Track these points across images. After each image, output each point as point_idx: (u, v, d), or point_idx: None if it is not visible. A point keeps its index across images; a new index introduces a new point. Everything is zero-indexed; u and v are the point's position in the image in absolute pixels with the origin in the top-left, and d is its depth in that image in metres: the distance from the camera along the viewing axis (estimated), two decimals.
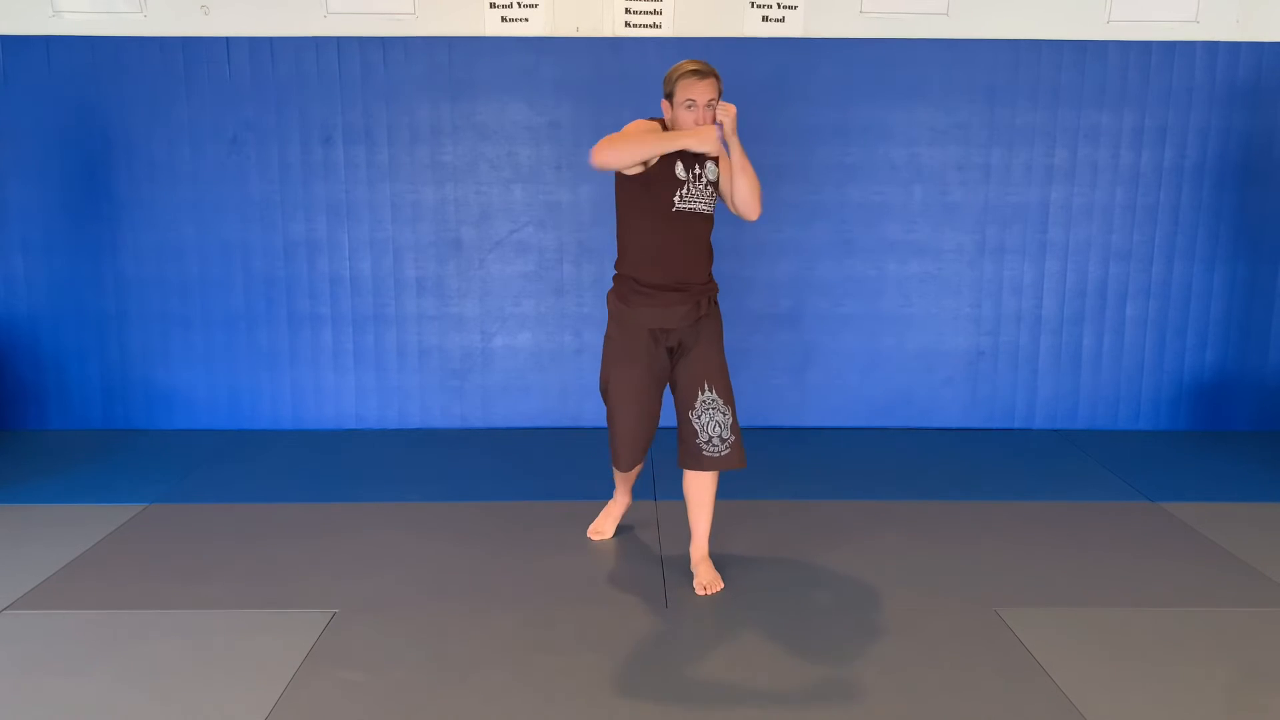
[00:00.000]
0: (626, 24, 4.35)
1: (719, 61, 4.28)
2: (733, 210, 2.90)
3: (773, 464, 4.10)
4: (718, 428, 2.89)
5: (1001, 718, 2.31)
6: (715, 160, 2.86)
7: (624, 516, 3.41)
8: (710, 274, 2.95)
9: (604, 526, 3.37)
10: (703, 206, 2.86)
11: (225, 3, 4.30)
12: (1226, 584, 3.03)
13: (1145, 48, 4.37)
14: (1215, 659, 2.58)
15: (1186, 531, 3.43)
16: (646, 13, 4.34)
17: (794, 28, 4.36)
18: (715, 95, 2.77)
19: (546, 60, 4.34)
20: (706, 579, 2.96)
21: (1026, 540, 3.35)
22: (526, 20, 4.33)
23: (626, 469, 3.11)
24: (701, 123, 2.75)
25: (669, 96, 2.80)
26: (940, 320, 4.56)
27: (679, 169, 2.81)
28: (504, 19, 4.33)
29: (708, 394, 2.89)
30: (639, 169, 2.77)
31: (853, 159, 4.44)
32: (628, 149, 2.69)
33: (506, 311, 4.53)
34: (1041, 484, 3.90)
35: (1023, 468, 4.10)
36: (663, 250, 2.84)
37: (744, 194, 2.83)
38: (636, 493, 3.55)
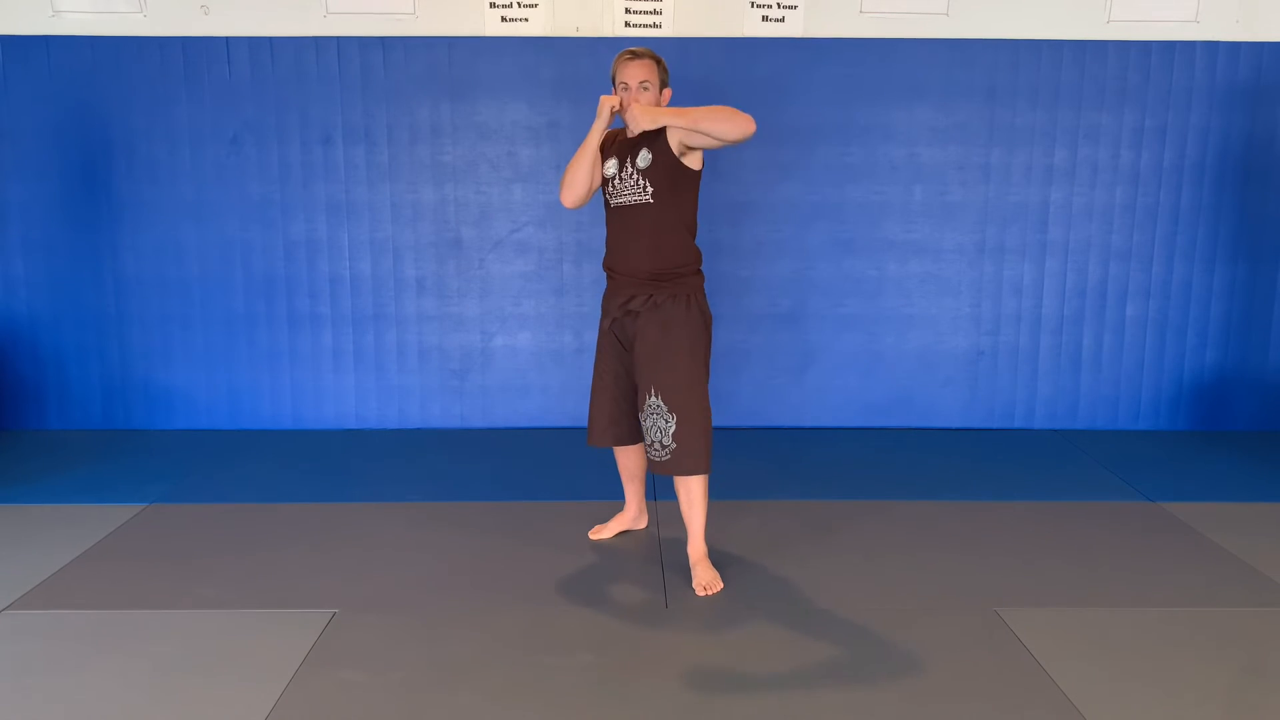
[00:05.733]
0: (626, 24, 4.35)
1: (719, 61, 4.33)
2: (727, 144, 2.78)
3: (773, 464, 4.10)
4: (659, 433, 2.91)
5: (1001, 718, 2.31)
6: (648, 148, 2.87)
7: (629, 526, 3.39)
8: (661, 270, 2.90)
9: (605, 531, 3.36)
10: (633, 198, 2.88)
11: (225, 3, 4.30)
12: (1226, 584, 3.03)
13: (1145, 48, 4.37)
14: (1215, 659, 2.58)
15: (1186, 531, 3.43)
16: (646, 13, 4.34)
17: (794, 28, 4.36)
18: (649, 77, 2.86)
19: (546, 60, 4.34)
20: (705, 579, 2.96)
21: (1026, 540, 3.35)
22: (526, 20, 4.33)
23: (593, 442, 3.13)
24: (630, 105, 2.85)
25: (613, 83, 2.94)
26: (940, 320, 4.56)
27: (609, 166, 2.92)
28: (504, 19, 4.33)
29: (652, 399, 2.91)
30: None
31: (853, 159, 4.44)
32: (569, 176, 2.92)
33: (506, 311, 4.53)
34: (1041, 484, 3.90)
35: (1023, 468, 4.10)
36: (609, 243, 3.00)
37: (718, 127, 2.73)
38: None
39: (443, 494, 3.76)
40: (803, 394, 4.61)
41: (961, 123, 4.41)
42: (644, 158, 2.86)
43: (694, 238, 2.97)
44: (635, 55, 2.87)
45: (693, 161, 2.88)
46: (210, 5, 4.30)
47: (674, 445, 2.89)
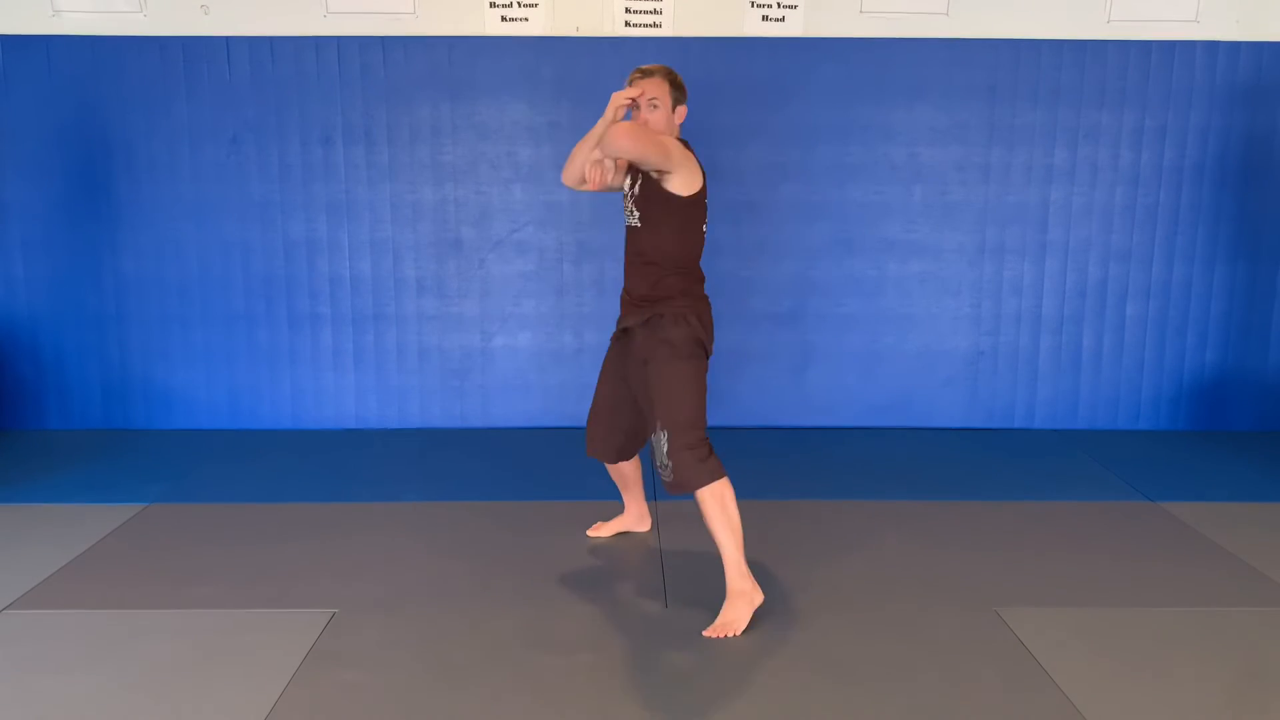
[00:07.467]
0: (626, 24, 4.35)
1: (719, 61, 4.33)
2: (647, 165, 2.74)
3: (773, 464, 4.10)
4: (660, 455, 2.78)
5: (1001, 718, 2.31)
6: (641, 173, 2.82)
7: (630, 528, 3.39)
8: (651, 291, 2.82)
9: (604, 529, 3.37)
10: (629, 221, 2.88)
11: (225, 3, 4.29)
12: (1226, 584, 3.03)
13: (1145, 48, 4.37)
14: (1215, 659, 2.58)
15: (1186, 531, 3.43)
16: (646, 12, 4.34)
17: (794, 28, 4.36)
18: (657, 94, 2.80)
19: (546, 60, 4.34)
20: (724, 619, 2.70)
21: (1026, 540, 3.35)
22: (526, 20, 4.33)
23: (589, 453, 3.13)
24: (641, 121, 2.81)
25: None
26: (940, 320, 4.56)
27: (626, 185, 2.90)
28: (504, 19, 4.33)
29: (655, 424, 2.80)
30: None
31: (853, 159, 4.44)
32: (571, 156, 2.93)
33: (506, 311, 4.53)
34: (1041, 484, 3.90)
35: (1023, 468, 4.10)
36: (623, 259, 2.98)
37: (612, 145, 2.67)
38: None
39: (443, 494, 3.76)
40: (803, 394, 4.61)
41: (961, 123, 4.41)
42: (636, 183, 2.84)
43: (684, 266, 2.83)
44: (644, 74, 2.82)
45: (677, 187, 2.74)
46: (210, 5, 4.30)
47: (670, 464, 2.75)
